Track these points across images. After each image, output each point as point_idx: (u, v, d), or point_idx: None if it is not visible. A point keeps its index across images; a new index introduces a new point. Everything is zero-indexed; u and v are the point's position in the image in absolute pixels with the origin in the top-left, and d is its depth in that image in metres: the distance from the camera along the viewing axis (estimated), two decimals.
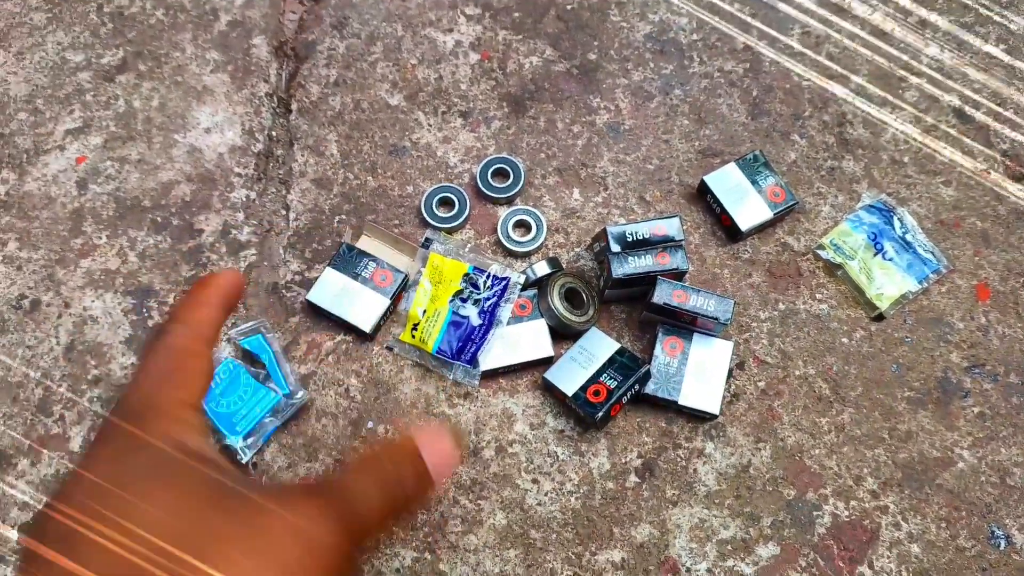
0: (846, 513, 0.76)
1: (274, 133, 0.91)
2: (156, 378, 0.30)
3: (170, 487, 0.26)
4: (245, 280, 0.35)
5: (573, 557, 0.74)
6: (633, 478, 0.77)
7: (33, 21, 0.95)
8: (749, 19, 0.96)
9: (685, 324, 0.78)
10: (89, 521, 0.24)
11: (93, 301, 0.82)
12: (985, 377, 0.81)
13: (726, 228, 0.85)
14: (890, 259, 0.84)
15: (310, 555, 0.25)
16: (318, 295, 0.80)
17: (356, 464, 0.30)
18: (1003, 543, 0.75)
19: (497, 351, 0.79)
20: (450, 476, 0.34)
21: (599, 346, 0.78)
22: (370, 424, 0.78)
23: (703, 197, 0.87)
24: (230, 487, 0.26)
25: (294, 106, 0.92)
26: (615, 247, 0.77)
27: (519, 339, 0.79)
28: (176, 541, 0.24)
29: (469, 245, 0.85)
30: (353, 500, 0.28)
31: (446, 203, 0.86)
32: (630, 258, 0.77)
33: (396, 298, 0.82)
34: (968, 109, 0.92)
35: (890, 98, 0.93)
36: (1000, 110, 0.92)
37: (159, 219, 0.86)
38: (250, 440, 0.76)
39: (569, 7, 0.96)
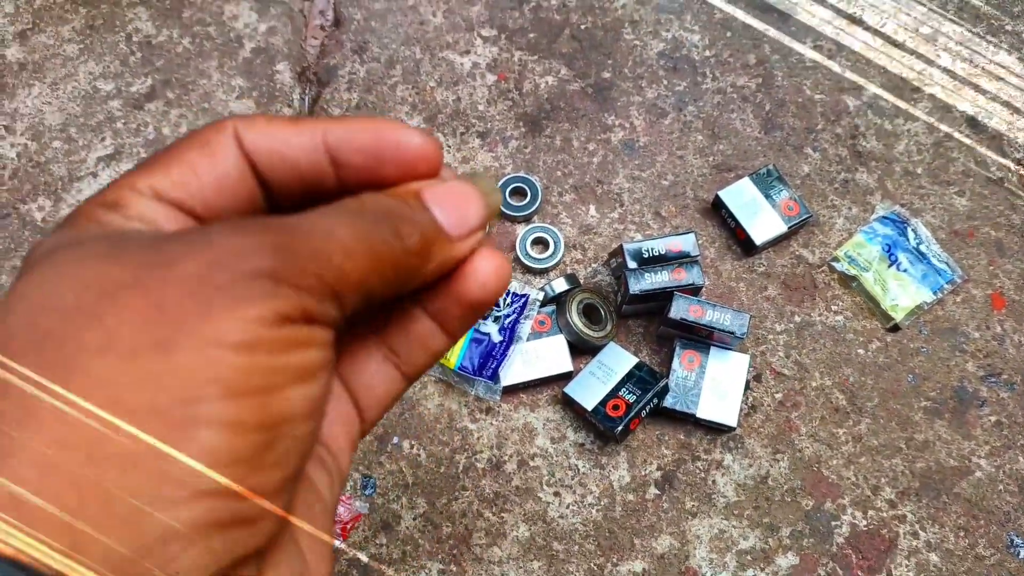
0: (864, 523, 0.77)
1: None
2: (128, 171, 0.21)
3: (59, 263, 0.18)
4: (436, 149, 0.24)
5: (595, 568, 0.75)
6: (653, 490, 0.78)
7: (66, 52, 0.98)
8: (761, 34, 0.97)
9: (702, 338, 0.80)
10: None
11: None
12: (1001, 386, 0.82)
13: (741, 242, 0.87)
14: (904, 270, 0.85)
15: (230, 310, 0.17)
16: None
17: (334, 207, 0.21)
18: (1022, 551, 0.76)
19: (518, 367, 0.81)
20: (477, 233, 0.22)
21: (617, 361, 0.80)
22: (395, 440, 0.80)
23: (718, 212, 0.88)
24: (135, 237, 0.19)
25: None
26: (631, 263, 0.79)
27: (539, 355, 0.81)
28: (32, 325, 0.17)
29: None
30: (311, 235, 0.19)
31: None
32: (646, 274, 0.79)
33: None
34: (981, 118, 0.93)
35: (903, 109, 0.94)
36: (1013, 119, 0.93)
37: None
38: None
39: (583, 27, 0.98)
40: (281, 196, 0.23)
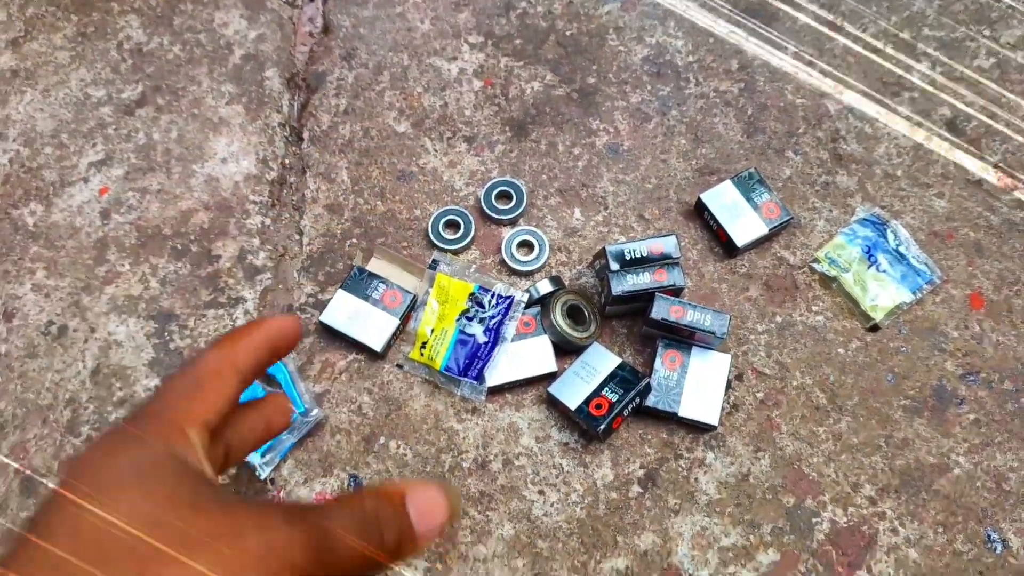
0: (844, 519, 0.78)
1: (287, 161, 0.95)
2: (173, 393, 0.30)
3: (148, 491, 0.25)
4: (300, 329, 0.35)
5: (579, 566, 0.76)
6: (636, 488, 0.79)
7: (58, 59, 1.00)
8: (743, 40, 0.99)
9: (684, 338, 0.81)
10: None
11: (117, 326, 0.86)
12: (980, 384, 0.83)
13: (723, 244, 0.88)
14: (884, 271, 0.86)
15: (274, 562, 0.25)
16: (331, 316, 0.84)
17: (337, 500, 0.28)
18: (999, 547, 0.77)
19: (503, 367, 0.82)
20: (436, 535, 0.31)
21: (601, 361, 0.81)
22: (382, 440, 0.81)
23: (700, 214, 0.89)
24: (210, 495, 0.26)
25: (306, 135, 0.96)
26: (614, 265, 0.80)
27: (524, 355, 0.83)
28: (144, 534, 0.23)
29: (474, 265, 0.88)
30: (328, 532, 0.27)
31: (452, 225, 0.89)
32: (628, 276, 0.80)
33: (405, 318, 0.85)
34: (960, 122, 0.94)
35: (883, 113, 0.95)
36: (991, 122, 0.94)
37: (179, 246, 0.90)
38: (268, 457, 0.79)
39: (568, 33, 1.00)
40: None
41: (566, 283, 0.87)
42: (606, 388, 0.78)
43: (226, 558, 0.24)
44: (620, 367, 0.80)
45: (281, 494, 0.79)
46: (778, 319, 0.86)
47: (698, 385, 0.80)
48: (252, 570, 0.24)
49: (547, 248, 0.88)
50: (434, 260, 0.87)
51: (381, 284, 0.85)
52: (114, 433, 0.27)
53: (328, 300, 0.85)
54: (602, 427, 0.76)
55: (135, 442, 0.27)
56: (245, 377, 0.31)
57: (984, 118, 0.94)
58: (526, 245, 0.89)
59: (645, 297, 0.80)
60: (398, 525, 0.28)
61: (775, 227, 0.86)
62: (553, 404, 0.82)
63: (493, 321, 0.83)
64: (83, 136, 0.96)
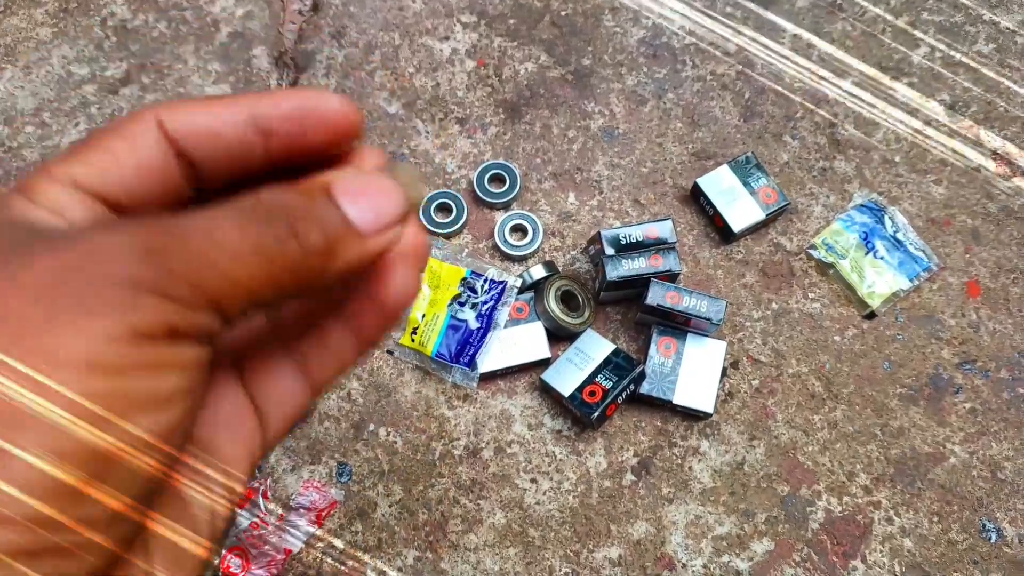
0: (839, 508, 0.77)
1: None
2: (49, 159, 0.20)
3: None
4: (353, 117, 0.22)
5: (571, 554, 0.75)
6: (629, 476, 0.78)
7: (39, 36, 0.97)
8: (741, 22, 0.97)
9: (679, 325, 0.80)
10: None
11: None
12: (976, 373, 0.82)
13: (719, 229, 0.87)
14: (881, 258, 0.85)
15: (75, 324, 0.16)
16: None
17: (223, 206, 0.19)
18: (994, 536, 0.76)
19: (495, 353, 0.81)
20: (391, 229, 0.20)
21: (595, 347, 0.79)
22: (371, 427, 0.80)
23: (696, 199, 0.88)
24: (6, 237, 0.18)
25: None
26: (609, 250, 0.78)
27: (516, 341, 0.81)
28: None
29: (467, 250, 0.86)
30: (191, 235, 0.17)
31: (444, 209, 0.88)
32: (624, 261, 0.79)
33: None
34: (959, 108, 0.93)
35: (881, 98, 0.94)
36: (990, 109, 0.93)
37: None
38: None
39: (563, 13, 0.98)
40: (211, 178, 0.22)
41: (560, 268, 0.85)
42: (600, 375, 0.77)
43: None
44: (614, 354, 0.79)
45: (268, 483, 0.78)
46: (774, 306, 0.85)
47: (693, 372, 0.79)
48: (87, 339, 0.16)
49: (541, 233, 0.86)
50: None
51: None
52: None
53: None
54: (596, 414, 0.75)
55: None
56: (187, 143, 0.21)
57: (984, 103, 0.93)
58: (519, 229, 0.87)
59: (640, 283, 0.79)
60: (320, 216, 0.19)
61: (772, 212, 0.85)
62: (546, 391, 0.80)
63: (485, 307, 0.82)
64: (65, 115, 0.93)
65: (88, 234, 0.17)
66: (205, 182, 0.22)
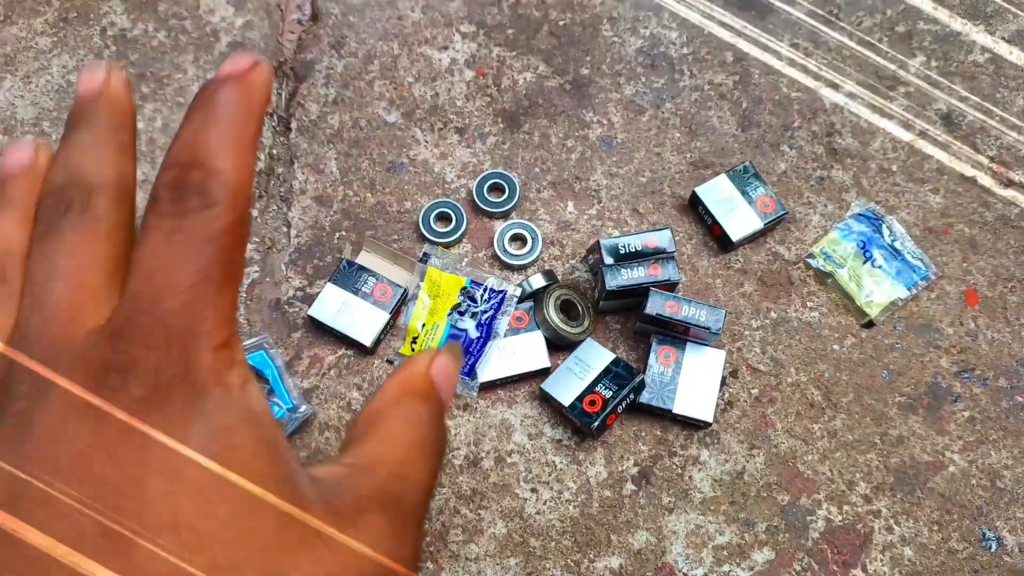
0: (839, 518, 0.77)
1: (275, 152, 0.93)
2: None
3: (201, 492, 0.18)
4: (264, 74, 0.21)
5: (572, 564, 0.75)
6: (630, 486, 0.78)
7: (39, 45, 0.97)
8: (738, 32, 0.98)
9: (678, 334, 0.80)
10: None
11: None
12: (975, 382, 0.82)
13: (717, 239, 0.87)
14: (879, 266, 0.85)
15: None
16: (319, 310, 0.82)
17: (397, 439, 0.24)
18: (994, 545, 0.76)
19: (495, 363, 0.81)
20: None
21: (595, 357, 0.80)
22: None
23: (695, 208, 0.88)
24: (295, 475, 0.21)
25: (294, 125, 0.94)
26: (608, 259, 0.79)
27: (516, 351, 0.81)
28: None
29: (466, 259, 0.86)
30: (416, 489, 0.23)
31: (443, 218, 0.88)
32: (623, 270, 0.79)
33: (396, 312, 0.83)
34: (955, 116, 0.94)
35: (878, 107, 0.94)
36: (987, 117, 0.94)
37: None
38: None
39: (561, 23, 0.98)
40: None
41: (559, 277, 0.86)
42: (600, 384, 0.77)
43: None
44: (614, 363, 0.79)
45: None
46: (773, 315, 0.85)
47: (692, 381, 0.79)
48: None
49: (540, 242, 0.87)
50: (425, 253, 0.86)
51: (371, 278, 0.83)
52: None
53: (317, 294, 0.84)
54: (596, 424, 0.75)
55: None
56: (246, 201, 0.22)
57: (979, 114, 0.94)
58: (519, 239, 0.87)
59: (639, 292, 0.79)
60: (440, 417, 0.25)
61: (770, 222, 0.85)
62: (546, 400, 0.80)
63: (485, 316, 0.82)
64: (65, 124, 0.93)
65: (358, 520, 0.22)
66: None
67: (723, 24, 0.98)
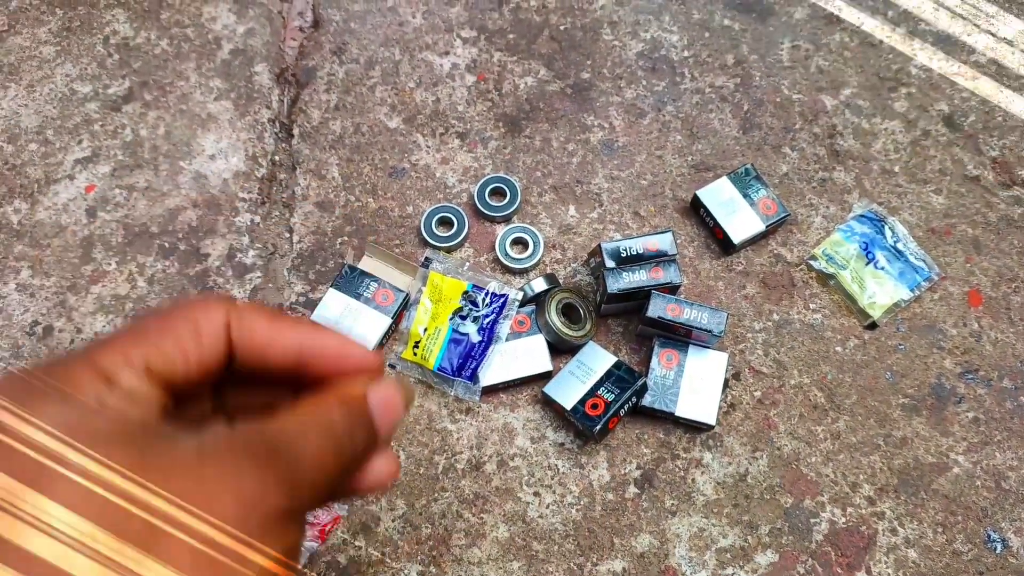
0: (843, 520, 0.77)
1: (277, 158, 0.93)
2: (120, 334, 0.24)
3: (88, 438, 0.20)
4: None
5: (575, 568, 0.75)
6: (632, 489, 0.78)
7: (42, 54, 0.98)
8: (739, 34, 0.98)
9: (680, 337, 0.80)
10: None
11: (104, 326, 0.85)
12: (979, 382, 0.82)
13: (719, 241, 0.87)
14: (882, 268, 0.85)
15: (253, 518, 0.22)
16: (322, 315, 0.82)
17: (304, 417, 0.25)
18: (999, 546, 0.76)
19: (497, 367, 0.81)
20: (393, 433, 0.31)
21: (597, 360, 0.80)
22: None
23: (696, 211, 0.88)
24: (165, 450, 0.22)
25: (296, 131, 0.94)
26: (610, 263, 0.79)
27: (518, 354, 0.81)
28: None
29: (468, 263, 0.87)
30: (303, 463, 0.24)
31: (445, 223, 0.88)
32: (624, 273, 0.79)
33: (398, 317, 0.84)
34: (957, 117, 0.93)
35: (880, 108, 0.94)
36: (989, 117, 0.93)
37: (167, 244, 0.88)
38: None
39: (562, 27, 0.99)
40: (239, 371, 0.27)
41: (561, 281, 0.86)
42: (602, 388, 0.77)
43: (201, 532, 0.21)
44: (616, 366, 0.79)
45: None
46: (775, 317, 0.85)
47: (695, 384, 0.79)
48: (225, 516, 0.22)
49: (541, 246, 0.87)
50: (427, 258, 0.86)
51: (373, 283, 0.84)
52: (15, 381, 0.21)
53: (319, 299, 0.84)
54: (598, 427, 0.75)
55: (53, 396, 0.22)
56: (240, 353, 0.27)
57: (982, 113, 0.94)
58: (520, 243, 0.87)
59: (641, 295, 0.79)
60: (365, 433, 0.27)
61: (772, 224, 0.85)
62: (548, 404, 0.80)
63: (487, 320, 0.82)
64: (69, 132, 0.94)
65: (237, 460, 0.22)
66: (233, 372, 0.27)
67: (723, 27, 0.98)
